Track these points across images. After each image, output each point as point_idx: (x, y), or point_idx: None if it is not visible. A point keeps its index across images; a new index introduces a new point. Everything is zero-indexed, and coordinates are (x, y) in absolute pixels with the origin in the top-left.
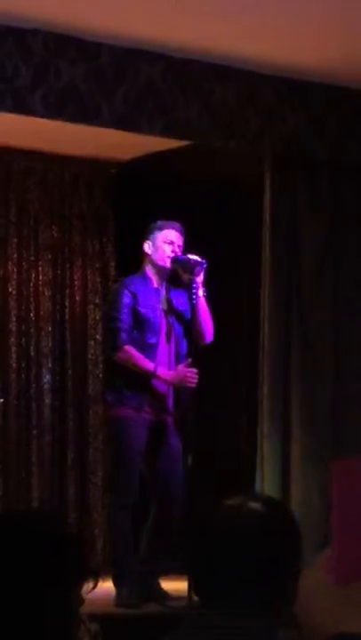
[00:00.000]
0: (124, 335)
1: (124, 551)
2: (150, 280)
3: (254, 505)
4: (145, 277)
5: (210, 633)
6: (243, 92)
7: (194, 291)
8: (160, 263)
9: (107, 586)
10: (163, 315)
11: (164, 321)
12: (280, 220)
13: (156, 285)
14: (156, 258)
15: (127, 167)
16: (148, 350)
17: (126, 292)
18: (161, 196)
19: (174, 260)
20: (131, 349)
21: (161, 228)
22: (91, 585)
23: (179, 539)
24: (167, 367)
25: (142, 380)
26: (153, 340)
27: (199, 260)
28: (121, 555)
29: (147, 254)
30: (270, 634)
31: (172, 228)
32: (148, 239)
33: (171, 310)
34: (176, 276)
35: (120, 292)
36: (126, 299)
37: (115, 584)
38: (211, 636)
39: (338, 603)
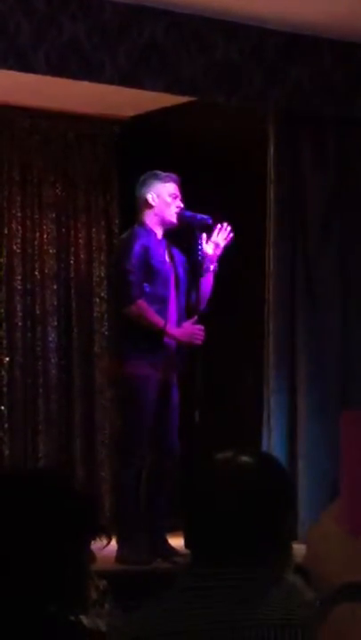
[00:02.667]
0: (136, 289)
1: (129, 508)
2: (154, 232)
3: (245, 458)
4: (148, 229)
5: (201, 594)
6: (246, 48)
7: (199, 247)
8: (168, 219)
9: (114, 543)
10: (171, 267)
11: (171, 274)
12: (284, 177)
13: (159, 237)
14: (165, 213)
15: (130, 124)
16: (160, 303)
17: (138, 243)
18: (164, 153)
19: (180, 216)
20: (143, 304)
21: (163, 180)
22: (104, 542)
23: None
24: (176, 321)
25: (154, 337)
26: (165, 293)
27: (205, 217)
28: (126, 511)
29: (151, 206)
30: (263, 591)
31: (174, 181)
32: (149, 190)
33: (174, 263)
34: (177, 232)
35: (132, 243)
36: (137, 251)
37: (118, 541)
38: (202, 597)
39: (348, 552)
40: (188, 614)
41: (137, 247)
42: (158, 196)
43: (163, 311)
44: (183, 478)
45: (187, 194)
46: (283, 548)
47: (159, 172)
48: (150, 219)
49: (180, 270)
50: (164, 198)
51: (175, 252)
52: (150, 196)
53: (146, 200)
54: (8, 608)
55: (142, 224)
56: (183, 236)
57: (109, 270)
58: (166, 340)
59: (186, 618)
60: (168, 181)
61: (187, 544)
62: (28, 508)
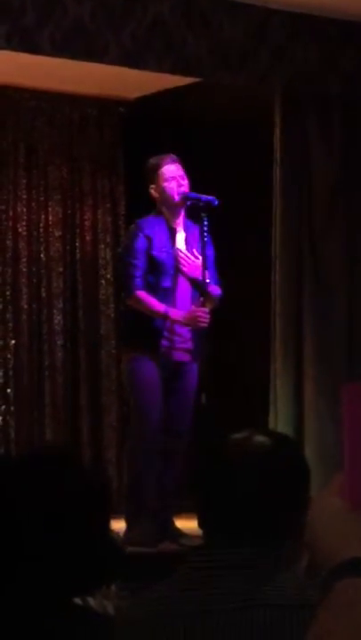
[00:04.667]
0: (136, 281)
1: (139, 489)
2: (165, 221)
3: (261, 438)
4: (160, 219)
5: (213, 574)
6: (252, 28)
7: (205, 228)
8: (170, 201)
9: (120, 525)
10: (179, 254)
11: (179, 262)
12: (290, 157)
13: (172, 226)
14: (165, 198)
15: (136, 105)
16: (163, 294)
17: (141, 235)
18: (170, 134)
19: (185, 197)
20: (142, 294)
21: (158, 167)
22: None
23: (189, 475)
24: (187, 308)
25: (157, 323)
26: (167, 284)
27: (210, 198)
28: (135, 493)
29: (156, 198)
30: (276, 571)
31: (168, 163)
32: (151, 182)
33: (189, 249)
34: (189, 215)
35: (134, 237)
36: (140, 243)
37: (127, 522)
38: (214, 577)
39: (350, 527)
40: (198, 594)
41: (139, 239)
42: (157, 185)
43: (168, 300)
44: (193, 459)
45: (192, 175)
46: (297, 528)
47: (156, 158)
48: (160, 208)
49: (193, 256)
50: (161, 185)
51: (193, 238)
52: (152, 189)
53: (150, 193)
54: (21, 594)
55: (155, 213)
56: (189, 217)
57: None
58: (170, 324)
59: (196, 598)
60: (163, 165)
61: (200, 523)
62: (37, 489)
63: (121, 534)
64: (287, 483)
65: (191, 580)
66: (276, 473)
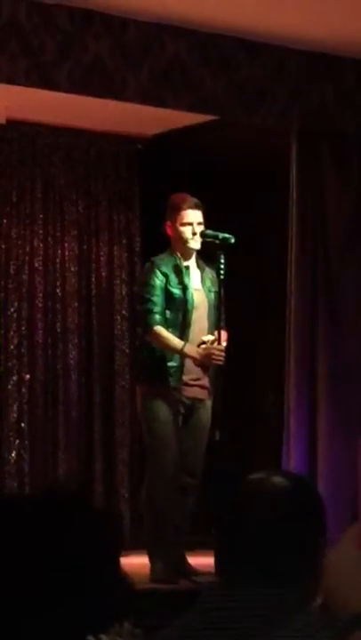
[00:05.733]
0: (154, 317)
1: (159, 527)
2: (179, 259)
3: (278, 479)
4: (173, 256)
5: (226, 615)
6: (269, 67)
7: (222, 266)
8: (182, 244)
9: (136, 562)
10: (194, 292)
11: (196, 298)
12: (306, 195)
13: (185, 263)
14: (178, 239)
15: (153, 142)
16: (182, 328)
17: (157, 272)
18: (186, 171)
19: (202, 234)
20: (160, 330)
21: (179, 208)
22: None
23: (202, 512)
24: (200, 343)
25: (172, 359)
26: (185, 318)
27: (227, 236)
28: (155, 531)
29: (170, 236)
30: (289, 615)
31: (191, 208)
32: (168, 219)
33: (203, 286)
34: (206, 253)
35: (151, 273)
36: (157, 280)
37: (150, 560)
38: (224, 618)
39: None
40: (211, 635)
41: (156, 276)
42: (174, 225)
43: (185, 335)
44: (206, 495)
45: (208, 212)
46: (313, 572)
47: (180, 199)
48: (174, 245)
49: (207, 294)
50: (177, 227)
51: (207, 275)
52: (168, 226)
53: (165, 229)
54: (32, 632)
55: (169, 250)
56: (207, 254)
57: (134, 297)
58: (191, 362)
59: (209, 638)
60: (185, 208)
61: (217, 563)
62: (48, 530)
63: (134, 570)
64: (304, 525)
65: (206, 619)
66: (292, 515)
